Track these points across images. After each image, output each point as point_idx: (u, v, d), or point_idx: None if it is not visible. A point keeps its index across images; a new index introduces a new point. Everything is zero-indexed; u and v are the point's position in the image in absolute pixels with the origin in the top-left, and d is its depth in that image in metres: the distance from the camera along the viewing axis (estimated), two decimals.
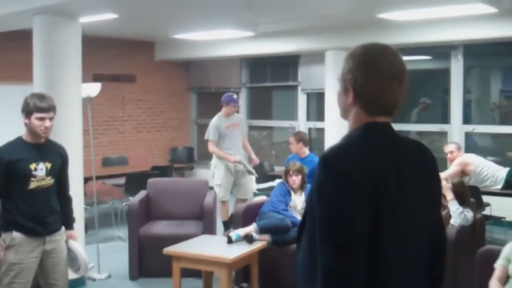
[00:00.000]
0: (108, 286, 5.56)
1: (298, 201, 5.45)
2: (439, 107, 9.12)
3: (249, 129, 10.71)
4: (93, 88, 5.99)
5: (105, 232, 7.20)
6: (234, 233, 5.00)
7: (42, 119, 3.52)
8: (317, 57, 8.99)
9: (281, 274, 5.14)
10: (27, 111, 3.54)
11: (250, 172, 7.17)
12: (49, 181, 3.65)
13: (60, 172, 3.76)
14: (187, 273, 4.86)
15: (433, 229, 1.71)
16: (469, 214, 4.60)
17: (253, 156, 7.35)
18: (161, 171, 7.99)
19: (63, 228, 3.81)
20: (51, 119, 3.57)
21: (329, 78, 8.47)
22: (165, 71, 10.91)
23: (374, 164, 1.54)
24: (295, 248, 5.10)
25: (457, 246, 4.37)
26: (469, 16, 6.46)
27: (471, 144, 8.25)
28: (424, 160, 1.71)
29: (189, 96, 11.53)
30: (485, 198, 6.32)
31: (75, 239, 3.93)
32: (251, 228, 5.06)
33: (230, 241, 4.93)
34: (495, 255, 3.47)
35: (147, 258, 5.63)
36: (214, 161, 7.16)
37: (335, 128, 8.39)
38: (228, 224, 7.01)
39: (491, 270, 3.43)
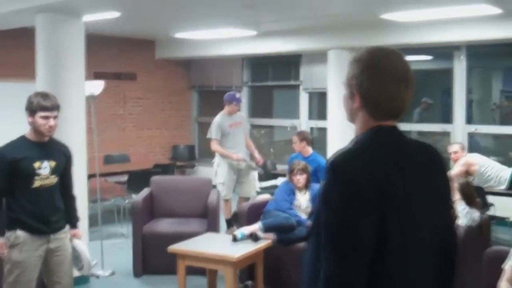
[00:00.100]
0: (112, 283, 5.56)
1: (303, 200, 5.45)
2: (442, 107, 9.13)
3: (251, 128, 10.69)
4: (96, 86, 5.98)
5: (107, 229, 7.19)
6: (239, 232, 5.00)
7: (46, 118, 3.51)
8: (319, 57, 8.98)
9: (286, 273, 5.14)
10: (31, 109, 3.52)
11: (253, 168, 7.16)
12: (53, 179, 3.64)
13: (64, 171, 3.75)
14: (191, 271, 4.85)
15: (441, 230, 1.70)
16: (476, 214, 4.61)
17: (257, 155, 7.34)
18: (163, 169, 7.99)
19: (67, 226, 3.80)
20: (55, 117, 3.56)
21: (331, 77, 8.46)
22: (166, 70, 10.90)
23: (379, 167, 1.55)
24: (300, 247, 5.14)
25: (464, 246, 4.37)
26: (472, 17, 6.47)
27: (474, 145, 8.26)
28: (429, 161, 1.71)
29: (190, 95, 11.52)
30: (489, 198, 6.34)
31: (80, 238, 3.92)
32: (256, 227, 5.05)
33: (235, 239, 4.92)
34: (503, 256, 3.47)
35: (151, 255, 5.63)
36: (217, 159, 7.15)
37: (338, 127, 8.40)
38: (231, 222, 7.01)
39: (499, 271, 3.42)
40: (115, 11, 6.07)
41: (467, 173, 6.33)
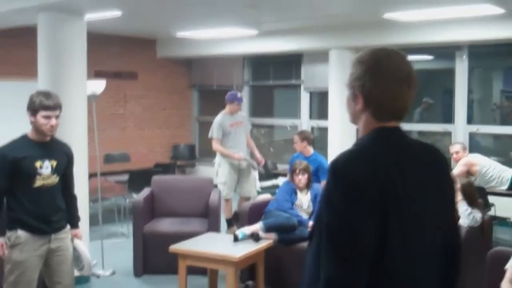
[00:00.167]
0: (112, 282, 5.55)
1: (304, 200, 5.44)
2: (443, 107, 9.13)
3: (251, 127, 10.68)
4: (98, 86, 5.97)
5: (107, 228, 7.18)
6: (240, 232, 4.99)
7: (48, 117, 3.49)
8: (321, 56, 8.98)
9: (287, 273, 5.14)
10: (33, 109, 3.50)
11: (254, 168, 7.16)
12: (55, 179, 3.62)
13: (65, 171, 3.73)
14: (192, 270, 4.84)
15: (444, 230, 1.70)
16: (478, 215, 4.60)
17: (258, 155, 7.32)
18: (163, 168, 7.98)
19: (68, 226, 3.78)
20: (57, 117, 3.54)
21: (333, 77, 8.46)
22: (167, 69, 10.89)
23: (381, 168, 1.55)
24: (301, 247, 5.13)
25: (466, 247, 4.35)
26: (475, 17, 6.46)
27: (474, 145, 8.26)
28: (432, 162, 1.70)
29: (191, 94, 11.51)
30: (490, 199, 6.33)
31: (80, 238, 3.91)
32: (257, 227, 5.04)
33: (236, 239, 4.92)
34: (505, 257, 3.46)
35: (152, 255, 5.62)
36: (218, 159, 7.14)
37: (338, 127, 8.39)
38: (232, 222, 7.00)
39: (501, 272, 3.41)
40: (116, 10, 6.06)
41: (468, 173, 6.32)
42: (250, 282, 5.07)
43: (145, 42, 10.33)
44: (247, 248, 4.74)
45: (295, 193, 5.46)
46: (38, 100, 3.49)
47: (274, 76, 10.58)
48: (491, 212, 6.34)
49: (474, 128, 8.30)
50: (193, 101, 11.54)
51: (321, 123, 9.59)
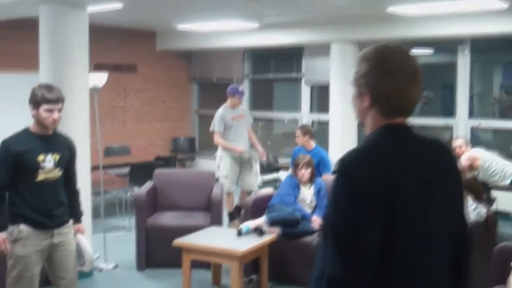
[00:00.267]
0: (115, 276, 5.53)
1: (307, 194, 5.43)
2: (445, 102, 9.12)
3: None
4: (100, 78, 5.93)
5: (109, 222, 7.17)
6: (244, 226, 4.99)
7: (50, 110, 3.45)
8: (322, 49, 8.95)
9: (290, 267, 5.14)
10: (35, 102, 3.46)
11: (256, 160, 7.14)
12: (57, 173, 3.59)
13: (68, 165, 3.70)
14: (194, 264, 4.84)
15: (453, 229, 1.68)
16: (483, 210, 4.59)
17: (260, 149, 7.31)
18: (164, 161, 7.96)
19: (71, 221, 3.76)
20: (59, 110, 3.51)
21: (334, 71, 8.43)
22: (167, 61, 10.85)
23: (387, 167, 1.54)
24: (304, 241, 5.11)
25: (472, 242, 4.36)
26: (478, 11, 6.44)
27: (475, 139, 8.25)
28: (439, 159, 1.69)
29: (191, 87, 11.48)
30: (492, 193, 6.32)
31: (83, 233, 3.88)
32: (261, 221, 5.03)
33: (240, 233, 4.91)
34: (511, 252, 3.47)
35: (154, 248, 5.61)
36: (219, 152, 7.12)
37: (339, 121, 8.38)
38: (233, 215, 6.99)
39: (508, 268, 3.42)
40: (118, 3, 6.03)
41: (471, 167, 6.31)
42: (253, 276, 5.06)
43: (144, 34, 10.28)
44: (251, 242, 4.74)
45: (298, 188, 5.45)
46: (40, 93, 3.45)
47: (275, 70, 10.55)
48: (493, 207, 6.34)
49: (475, 122, 8.29)
50: (193, 94, 11.51)
51: (321, 116, 9.58)
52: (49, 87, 3.53)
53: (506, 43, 7.99)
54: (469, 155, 6.41)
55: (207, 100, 11.27)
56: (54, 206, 3.59)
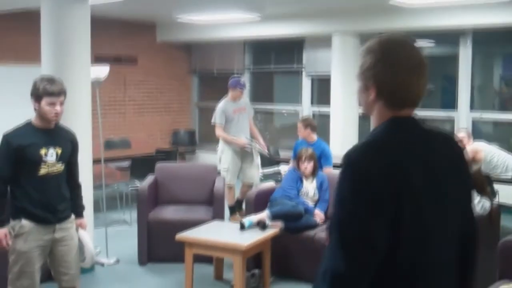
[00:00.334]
0: (116, 271, 5.52)
1: (310, 187, 5.42)
2: (446, 93, 9.09)
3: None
4: (102, 71, 5.89)
5: (110, 216, 7.14)
6: (247, 220, 4.97)
7: (52, 104, 3.41)
8: (323, 41, 8.91)
9: (293, 261, 5.13)
10: (37, 95, 3.42)
11: (259, 151, 7.12)
12: (60, 167, 3.56)
13: (70, 159, 3.66)
14: (196, 258, 4.82)
15: (461, 222, 1.66)
16: (487, 203, 4.58)
17: (262, 142, 7.29)
18: (165, 154, 7.93)
19: (73, 216, 3.73)
20: (61, 103, 3.47)
21: (335, 62, 8.40)
22: (167, 53, 10.80)
23: (392, 161, 1.52)
24: (307, 235, 5.09)
25: (479, 237, 4.35)
26: (480, 2, 6.40)
27: (475, 131, 8.23)
28: (448, 151, 1.68)
29: (191, 79, 11.43)
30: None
31: (85, 228, 3.84)
32: (264, 215, 5.02)
33: (242, 227, 4.89)
34: None
35: (156, 243, 5.60)
36: (221, 145, 7.10)
37: (341, 113, 8.36)
38: (234, 209, 6.98)
39: None
40: None
41: (473, 160, 6.29)
42: (256, 271, 5.05)
43: (144, 26, 10.23)
44: (254, 237, 4.73)
45: (301, 181, 5.43)
46: (42, 86, 3.41)
47: (276, 61, 10.51)
48: (497, 200, 6.32)
49: (477, 114, 8.26)
50: (193, 86, 11.46)
51: (322, 109, 9.55)
52: (51, 80, 3.49)
53: (507, 35, 7.95)
54: (472, 148, 6.38)
55: (207, 93, 11.23)
56: (56, 200, 3.56)
